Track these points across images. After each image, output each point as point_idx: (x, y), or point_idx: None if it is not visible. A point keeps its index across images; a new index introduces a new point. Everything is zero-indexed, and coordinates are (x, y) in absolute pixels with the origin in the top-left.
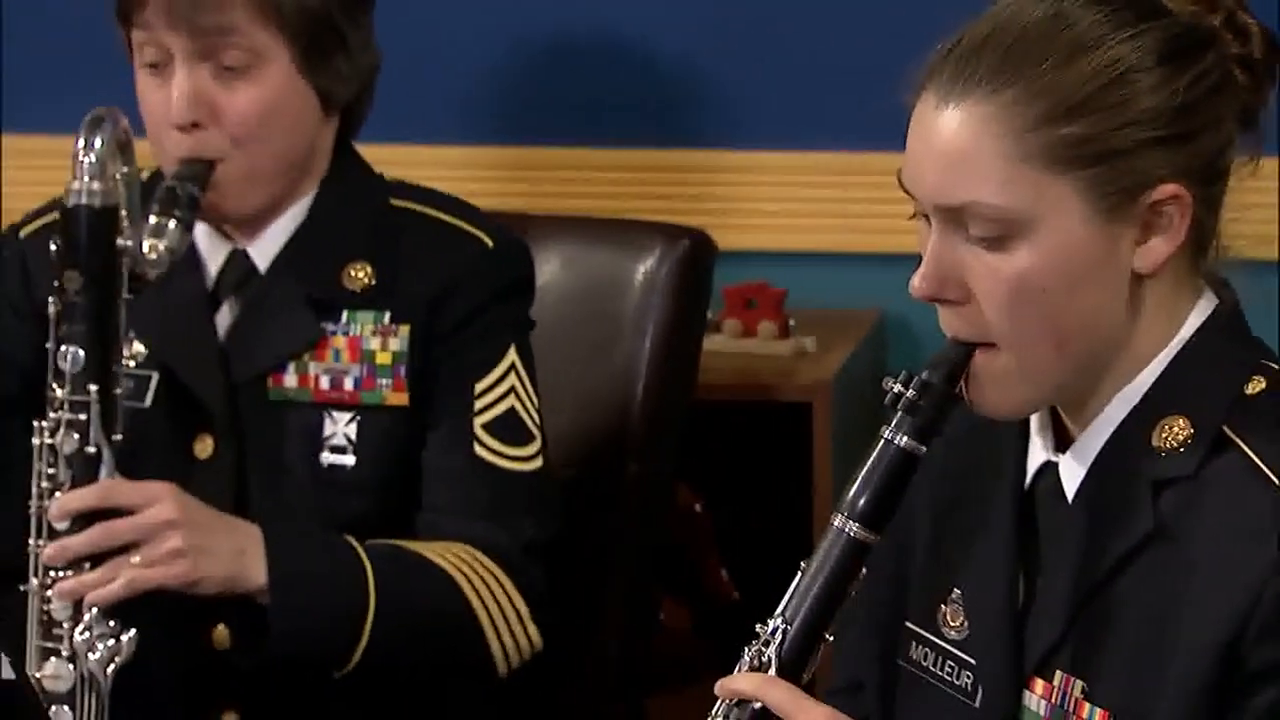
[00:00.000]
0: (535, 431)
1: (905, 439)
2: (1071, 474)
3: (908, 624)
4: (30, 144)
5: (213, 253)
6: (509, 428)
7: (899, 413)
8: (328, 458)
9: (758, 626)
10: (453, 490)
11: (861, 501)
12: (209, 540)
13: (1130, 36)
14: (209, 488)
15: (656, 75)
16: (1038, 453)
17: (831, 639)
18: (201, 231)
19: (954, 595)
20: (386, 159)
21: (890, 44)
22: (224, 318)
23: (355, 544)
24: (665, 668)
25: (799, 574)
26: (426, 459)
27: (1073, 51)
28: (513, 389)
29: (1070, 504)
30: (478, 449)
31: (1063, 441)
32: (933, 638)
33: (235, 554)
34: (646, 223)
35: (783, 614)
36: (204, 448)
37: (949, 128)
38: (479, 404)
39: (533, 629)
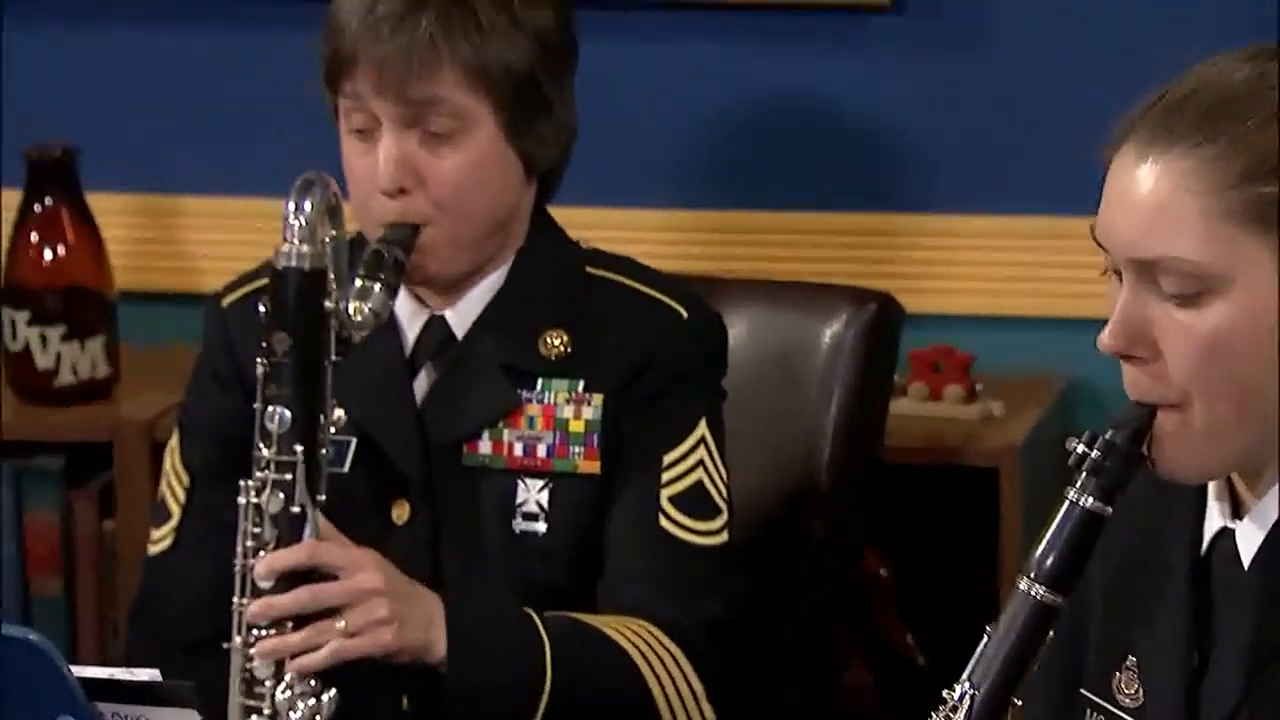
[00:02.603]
0: (722, 506)
1: (1090, 500)
2: (1248, 540)
3: (1082, 690)
4: (222, 206)
5: (411, 319)
6: (696, 501)
7: (1083, 474)
8: (520, 524)
9: (944, 692)
10: (635, 561)
11: (1048, 564)
12: (408, 609)
13: None
14: (405, 552)
15: (843, 140)
16: (1214, 519)
17: (1020, 704)
18: (400, 298)
19: (1129, 662)
20: (572, 221)
21: (1081, 110)
22: (421, 384)
23: (535, 617)
24: None
25: (985, 638)
26: (611, 528)
27: (1277, 111)
28: (701, 462)
29: (1246, 571)
30: (663, 521)
31: (1239, 508)
32: (1107, 705)
33: (426, 624)
34: (833, 286)
35: (969, 679)
36: (401, 513)
37: (1147, 181)
38: (667, 476)
39: (707, 708)
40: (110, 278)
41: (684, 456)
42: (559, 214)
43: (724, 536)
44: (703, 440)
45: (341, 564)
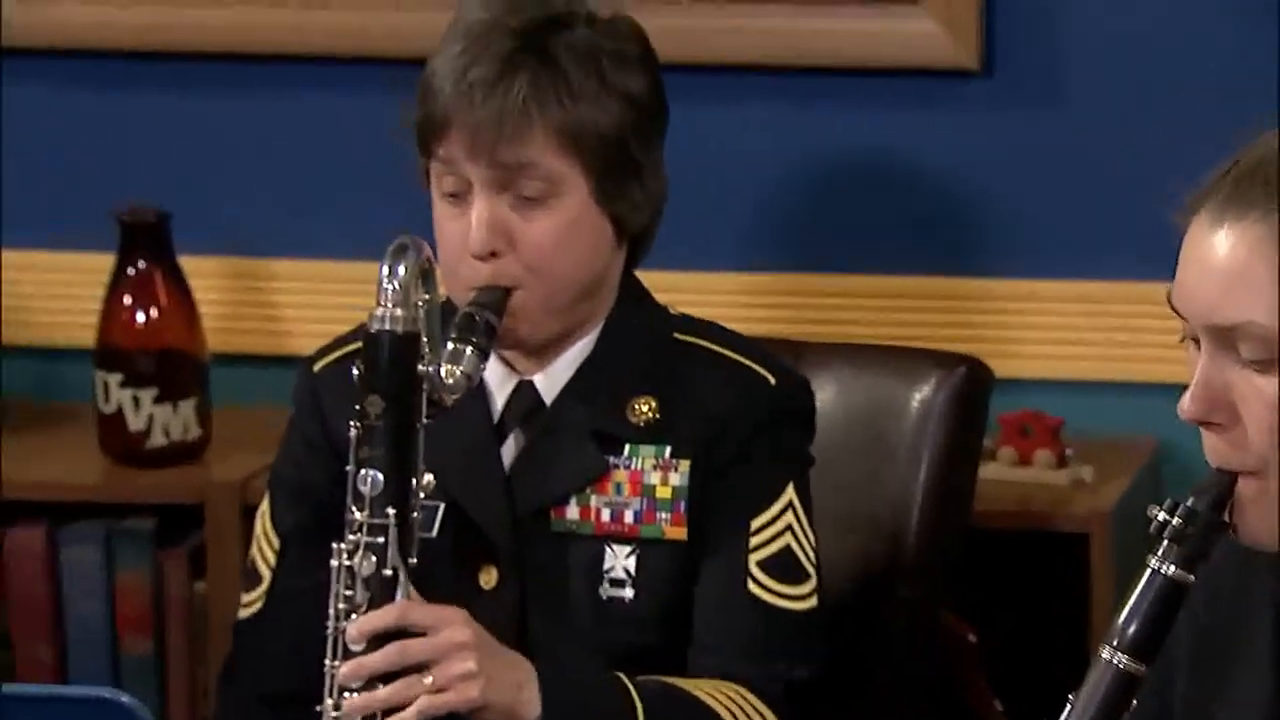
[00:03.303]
0: (811, 571)
1: (1173, 568)
2: None
3: None
4: (312, 269)
5: (500, 384)
6: (784, 566)
7: (1165, 541)
8: (607, 590)
9: None
10: (724, 626)
11: (1130, 632)
12: (496, 666)
13: None
14: (492, 617)
15: (928, 202)
16: None
17: None
18: (489, 362)
19: None
20: (655, 284)
21: (1166, 174)
22: (509, 449)
23: (627, 681)
24: None
25: (1068, 706)
26: (700, 593)
27: None
28: (789, 527)
29: None
30: (752, 586)
31: None
32: None
33: (515, 687)
34: (921, 350)
35: None
36: (488, 578)
37: (1223, 247)
38: (754, 540)
39: None
40: (202, 340)
41: (772, 521)
42: (643, 278)
43: (813, 601)
44: (790, 505)
45: (430, 621)
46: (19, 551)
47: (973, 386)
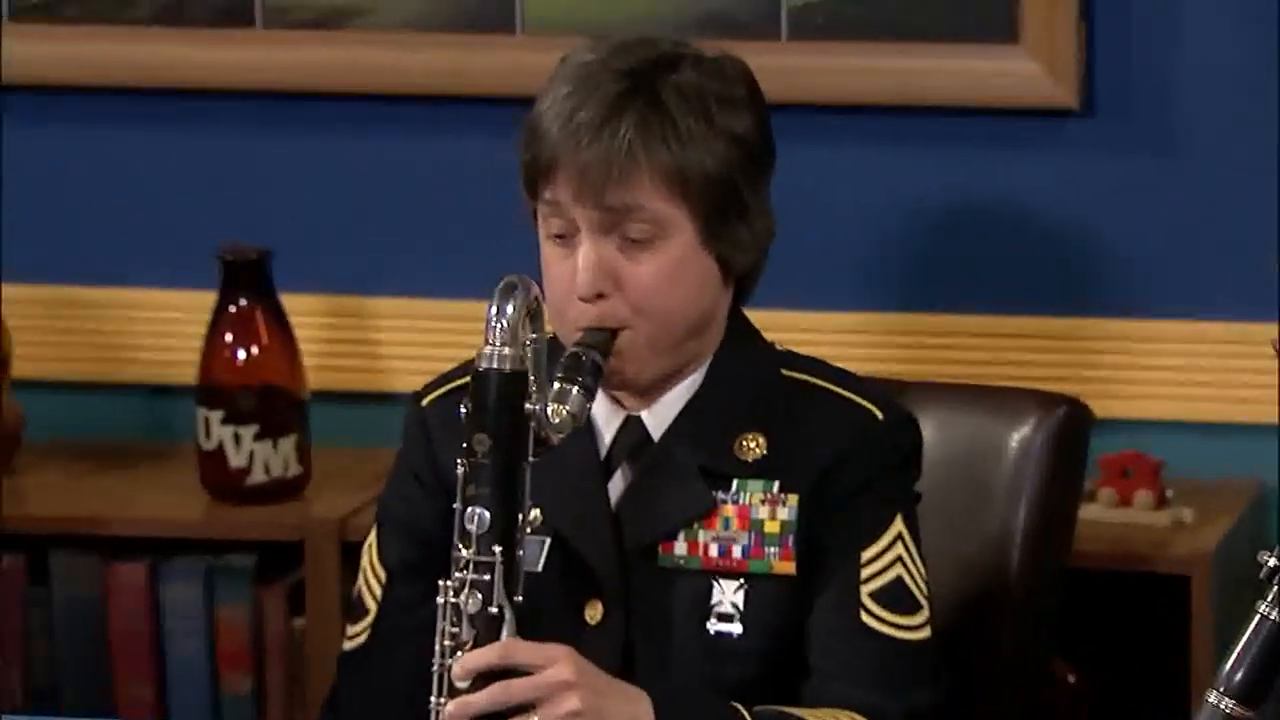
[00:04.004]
0: (923, 601)
1: None
2: None
3: None
4: (411, 307)
5: (607, 420)
6: (896, 596)
7: (1275, 587)
8: (715, 625)
9: None
10: (839, 657)
11: (1237, 678)
12: (604, 703)
13: None
14: (598, 653)
15: (1032, 242)
16: None
17: None
18: (596, 399)
19: None
20: (761, 323)
21: (1273, 213)
22: (617, 485)
23: (744, 710)
24: None
25: None
26: (813, 625)
27: None
28: (899, 558)
29: None
30: (864, 616)
31: None
32: None
33: (628, 719)
34: (1021, 390)
35: None
36: (594, 613)
37: None
38: (865, 572)
39: None
40: (302, 377)
41: (882, 553)
42: (750, 316)
43: (926, 632)
44: (899, 537)
45: (535, 660)
46: (121, 588)
47: (1073, 427)
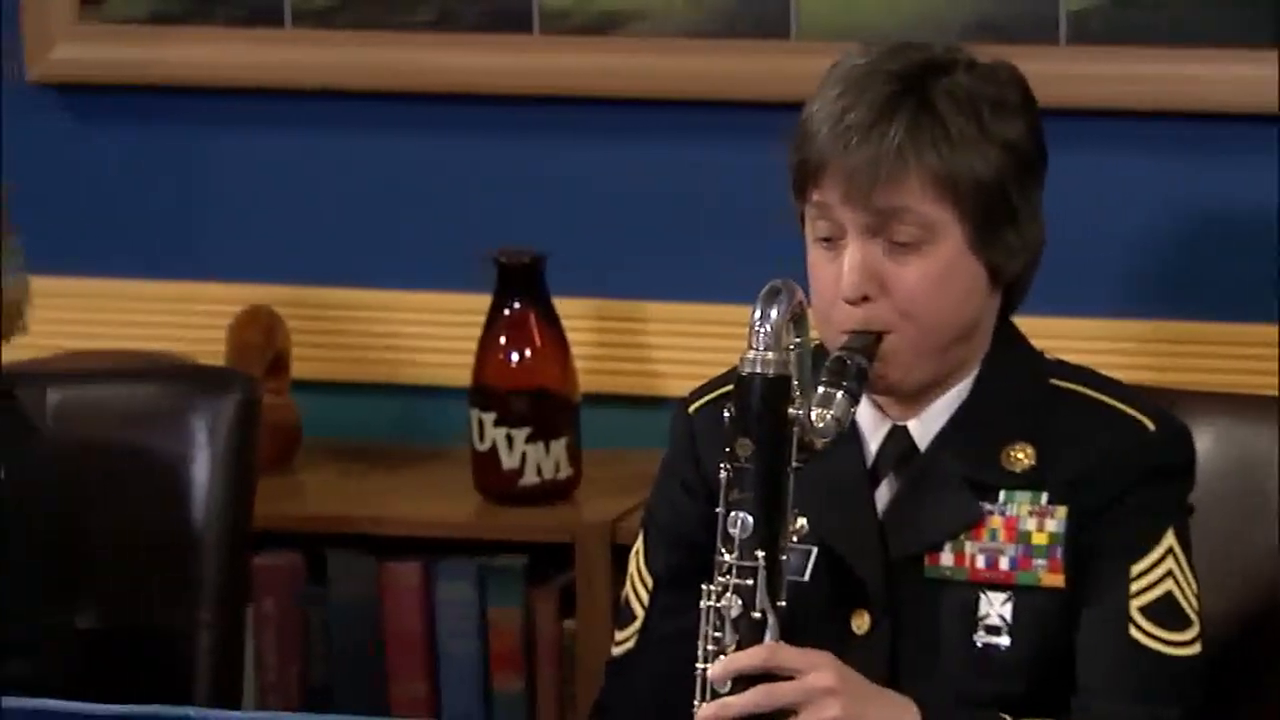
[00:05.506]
0: (1193, 618)
1: None
2: None
3: None
4: (683, 311)
5: (873, 429)
6: (1166, 612)
7: None
8: (982, 637)
9: None
10: (1106, 672)
11: None
12: (867, 711)
13: None
14: (864, 663)
15: None
16: None
17: None
18: (862, 409)
19: None
20: (1030, 329)
21: None
22: (883, 494)
23: None
24: None
25: None
26: (1081, 639)
27: None
28: (1170, 573)
29: None
30: (1134, 631)
31: None
32: None
33: None
34: None
35: None
36: (860, 623)
37: None
38: (1135, 587)
39: None
40: (574, 381)
41: (1152, 567)
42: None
43: (1196, 648)
44: (1171, 551)
45: (797, 665)
46: (396, 588)
47: None
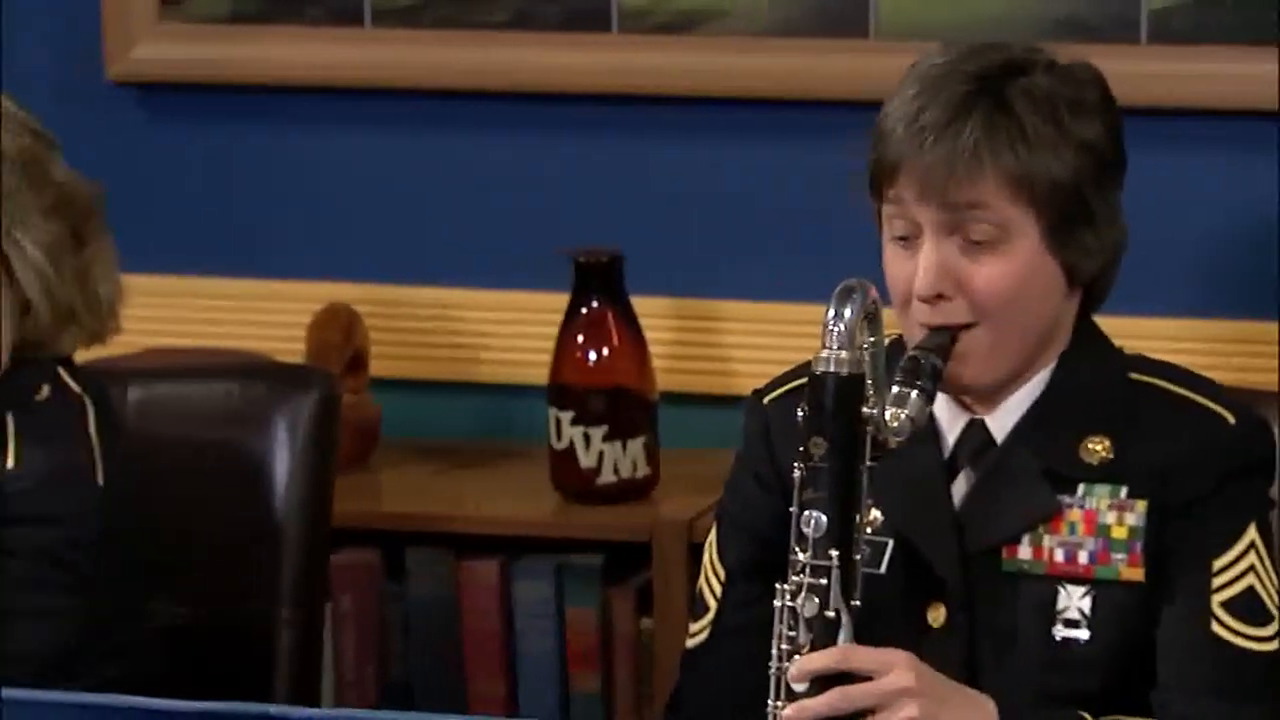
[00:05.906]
0: (1275, 612)
1: None
2: None
3: None
4: (761, 310)
5: (950, 422)
6: (1248, 607)
7: None
8: (1060, 631)
9: None
10: (1187, 667)
11: None
12: (944, 711)
13: None
14: (941, 656)
15: None
16: None
17: None
18: (940, 401)
19: None
20: (1117, 331)
21: None
22: (959, 487)
23: None
24: None
25: None
26: (1161, 635)
27: None
28: (1252, 567)
29: None
30: (1215, 626)
31: None
32: None
33: None
34: None
35: None
36: (937, 616)
37: None
38: (1217, 581)
39: None
40: (652, 380)
41: (1234, 562)
42: (1100, 323)
43: (1276, 644)
44: (1252, 546)
45: (874, 666)
46: (474, 585)
47: None
